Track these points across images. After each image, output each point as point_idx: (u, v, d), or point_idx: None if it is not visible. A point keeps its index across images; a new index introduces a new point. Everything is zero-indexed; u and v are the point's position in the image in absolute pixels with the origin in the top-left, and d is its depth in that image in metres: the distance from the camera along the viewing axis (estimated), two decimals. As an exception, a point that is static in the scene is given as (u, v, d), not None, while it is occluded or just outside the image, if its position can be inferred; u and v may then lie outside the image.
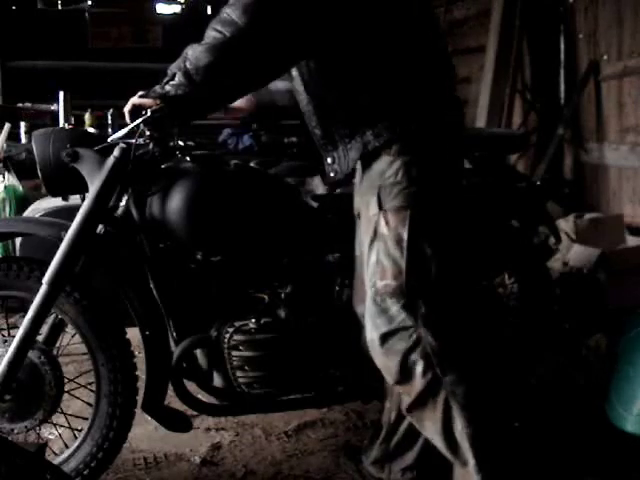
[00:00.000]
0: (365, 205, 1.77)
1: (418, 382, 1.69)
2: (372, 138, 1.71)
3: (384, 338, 1.71)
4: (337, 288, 2.01)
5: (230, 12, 1.61)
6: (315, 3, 1.63)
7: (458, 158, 1.86)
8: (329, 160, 1.81)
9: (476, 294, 2.15)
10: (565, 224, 3.53)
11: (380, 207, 1.71)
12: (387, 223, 1.71)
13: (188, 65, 1.67)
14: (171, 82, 1.70)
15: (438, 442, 1.72)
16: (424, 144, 1.72)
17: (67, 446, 2.02)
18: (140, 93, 1.77)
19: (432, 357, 1.68)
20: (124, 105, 1.80)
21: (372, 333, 1.74)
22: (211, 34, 1.64)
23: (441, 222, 1.74)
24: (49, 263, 1.80)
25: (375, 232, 1.73)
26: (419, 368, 1.68)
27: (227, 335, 1.90)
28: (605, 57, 4.40)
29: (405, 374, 1.70)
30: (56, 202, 2.72)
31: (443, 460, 1.77)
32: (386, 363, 1.74)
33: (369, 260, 1.75)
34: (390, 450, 1.99)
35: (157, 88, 1.73)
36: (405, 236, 1.69)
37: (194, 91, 1.67)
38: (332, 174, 1.82)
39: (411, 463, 1.96)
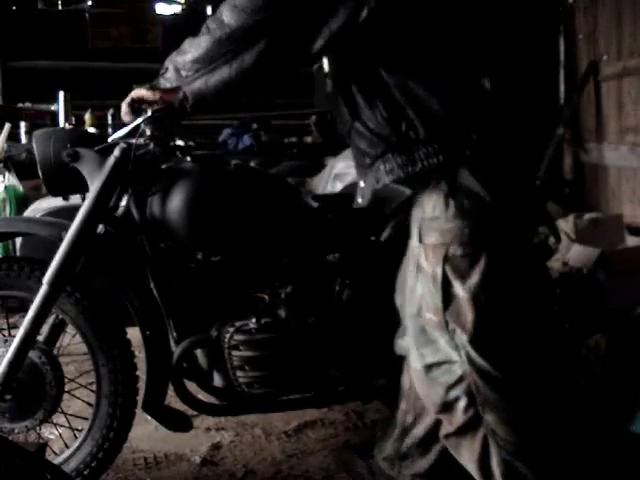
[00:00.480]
0: (411, 232, 1.72)
1: (459, 416, 1.67)
2: (383, 174, 1.64)
3: (428, 368, 1.69)
4: (337, 288, 2.01)
5: (222, 9, 1.61)
6: (308, 12, 1.56)
7: (517, 191, 1.67)
8: (361, 184, 1.75)
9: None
10: (565, 224, 3.52)
11: (420, 240, 1.67)
12: (426, 258, 1.66)
13: (178, 58, 1.68)
14: (164, 75, 1.71)
15: (473, 471, 1.71)
16: (463, 176, 1.59)
17: (67, 446, 2.02)
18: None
19: (475, 395, 1.65)
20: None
21: (416, 363, 1.72)
22: (202, 29, 1.65)
23: (480, 263, 1.62)
24: (49, 263, 1.80)
25: (418, 265, 1.69)
26: (461, 404, 1.66)
27: (227, 335, 1.90)
28: (605, 57, 4.40)
29: (447, 407, 1.69)
30: (56, 202, 2.73)
31: (456, 476, 1.76)
32: (429, 393, 1.72)
33: (415, 289, 1.71)
34: (402, 451, 1.95)
35: (154, 82, 1.74)
36: (439, 275, 1.63)
37: (182, 84, 1.67)
38: (360, 199, 1.75)
39: (422, 472, 1.92)
